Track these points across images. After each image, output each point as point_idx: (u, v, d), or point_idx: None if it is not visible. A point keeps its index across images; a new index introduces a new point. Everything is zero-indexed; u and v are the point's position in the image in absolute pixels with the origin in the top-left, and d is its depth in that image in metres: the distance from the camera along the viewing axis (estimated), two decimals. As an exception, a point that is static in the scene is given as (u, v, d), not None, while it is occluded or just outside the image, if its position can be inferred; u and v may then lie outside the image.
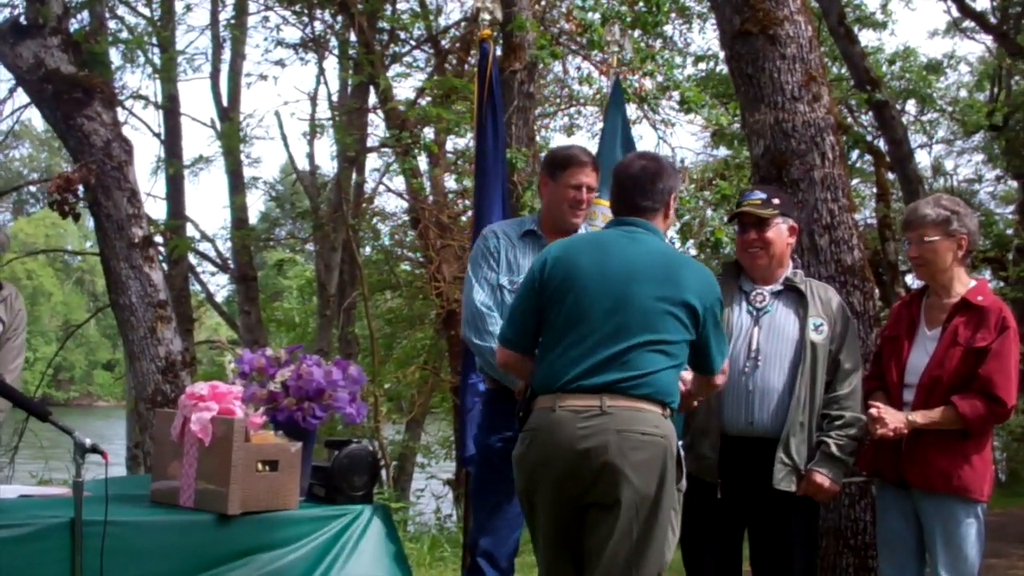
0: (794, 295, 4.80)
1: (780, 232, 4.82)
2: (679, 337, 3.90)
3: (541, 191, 5.02)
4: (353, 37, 15.53)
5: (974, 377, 4.45)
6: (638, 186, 4.10)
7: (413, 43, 17.02)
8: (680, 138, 65.36)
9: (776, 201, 4.84)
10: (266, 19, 17.27)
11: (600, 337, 3.84)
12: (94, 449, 3.70)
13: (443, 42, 16.60)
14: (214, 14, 18.26)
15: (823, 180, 5.86)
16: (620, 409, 3.77)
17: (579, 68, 15.15)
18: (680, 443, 4.15)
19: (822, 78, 6.07)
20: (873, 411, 4.49)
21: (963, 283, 4.68)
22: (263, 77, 17.68)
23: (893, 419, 4.47)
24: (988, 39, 21.42)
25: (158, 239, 16.95)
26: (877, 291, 17.41)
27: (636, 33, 13.09)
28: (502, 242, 4.96)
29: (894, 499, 4.65)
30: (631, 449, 3.74)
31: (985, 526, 4.57)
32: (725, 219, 11.76)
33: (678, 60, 16.76)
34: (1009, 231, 22.34)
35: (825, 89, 6.04)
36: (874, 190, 20.03)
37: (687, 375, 4.20)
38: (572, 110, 17.40)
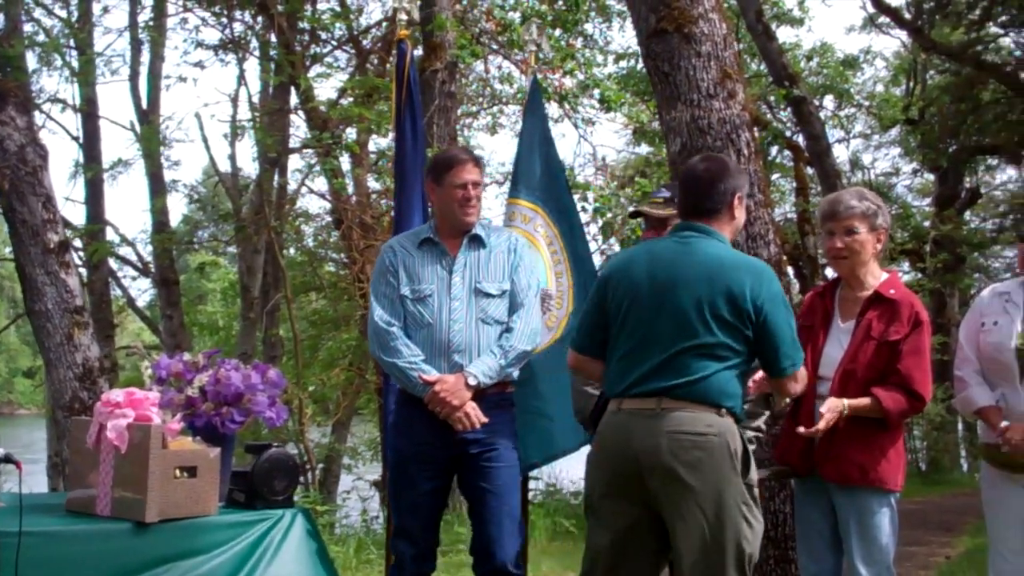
0: None
1: None
2: (726, 339, 3.96)
3: (430, 199, 5.10)
4: (273, 38, 15.43)
5: (889, 371, 4.49)
6: (701, 188, 4.19)
7: (334, 43, 16.97)
8: (602, 136, 65.76)
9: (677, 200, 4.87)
10: (185, 20, 17.20)
11: (651, 344, 3.98)
12: (7, 459, 3.65)
13: (364, 42, 16.56)
14: (132, 15, 18.08)
15: (740, 176, 5.92)
16: (673, 411, 3.89)
17: (500, 67, 15.20)
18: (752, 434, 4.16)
19: (737, 75, 6.14)
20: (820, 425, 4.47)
21: (876, 276, 4.71)
22: (182, 79, 17.57)
23: (831, 407, 4.47)
24: (903, 34, 21.80)
25: (77, 244, 16.72)
26: (797, 285, 17.62)
27: (557, 32, 13.15)
28: (399, 255, 5.02)
29: (810, 491, 4.70)
30: (682, 449, 3.85)
31: (898, 514, 4.65)
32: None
33: (599, 58, 16.86)
34: (926, 223, 22.74)
35: (740, 86, 6.11)
36: (794, 185, 20.28)
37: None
38: (495, 109, 17.44)
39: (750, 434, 4.66)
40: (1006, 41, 20.33)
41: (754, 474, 3.99)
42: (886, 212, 4.74)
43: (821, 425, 4.38)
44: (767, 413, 4.76)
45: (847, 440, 4.50)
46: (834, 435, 4.49)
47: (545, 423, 5.32)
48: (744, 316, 3.96)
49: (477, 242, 5.01)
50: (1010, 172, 26.72)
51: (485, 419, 4.79)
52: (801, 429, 4.42)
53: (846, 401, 4.47)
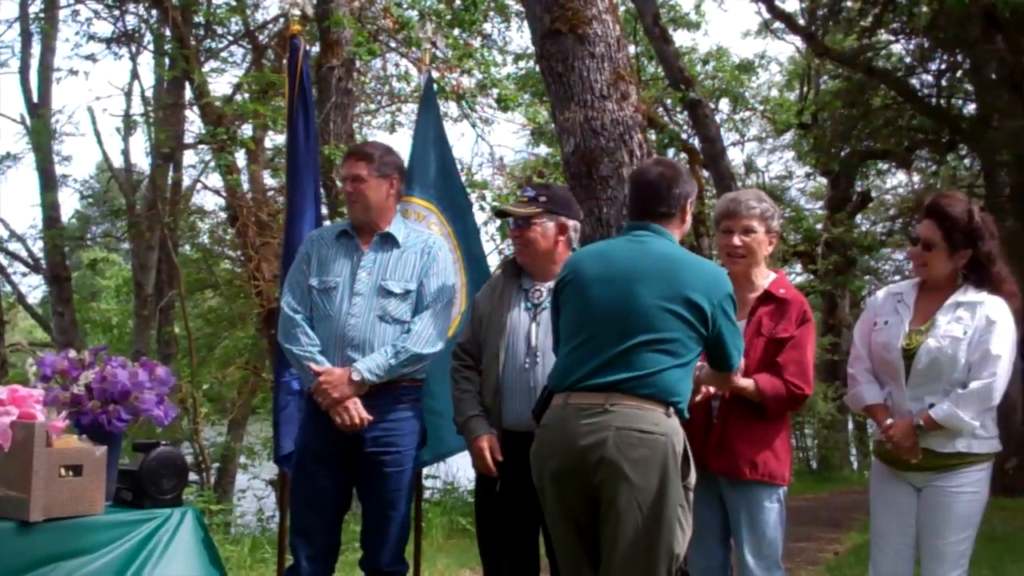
0: None
1: (545, 230, 4.82)
2: (683, 335, 4.01)
3: None
4: (167, 31, 15.21)
5: (775, 365, 4.61)
6: (655, 192, 4.23)
7: (230, 38, 16.78)
8: (501, 136, 65.91)
9: (543, 199, 4.85)
10: (76, 12, 16.82)
11: (604, 338, 4.00)
12: None
13: (260, 37, 16.40)
14: (23, 7, 17.69)
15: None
16: (622, 408, 3.91)
17: (397, 65, 15.17)
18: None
19: (630, 77, 6.20)
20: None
21: (765, 276, 4.82)
22: (73, 72, 17.28)
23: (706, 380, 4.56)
24: (797, 40, 22.15)
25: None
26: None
27: (455, 31, 13.16)
28: (316, 245, 5.08)
29: (699, 486, 4.77)
30: (629, 446, 3.87)
31: (788, 511, 4.74)
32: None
33: (498, 58, 16.91)
34: (819, 226, 23.15)
35: (633, 88, 6.17)
36: (691, 187, 20.43)
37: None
38: (393, 107, 17.40)
39: None
40: (896, 48, 20.78)
41: (692, 477, 4.05)
42: (779, 215, 4.86)
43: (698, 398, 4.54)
44: None
45: (735, 435, 4.60)
46: (723, 430, 4.60)
47: (435, 420, 5.32)
48: (702, 315, 4.03)
49: (390, 241, 5.03)
50: (900, 176, 27.33)
51: (368, 416, 4.79)
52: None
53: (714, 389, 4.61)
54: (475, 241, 6.18)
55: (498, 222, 13.08)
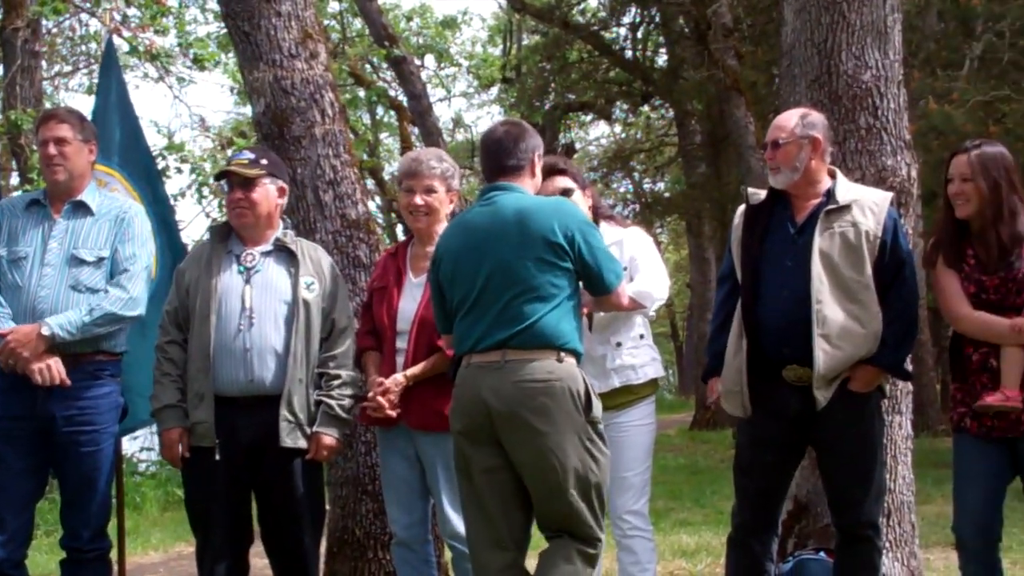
0: (285, 255, 4.84)
1: (267, 193, 4.83)
2: (549, 278, 4.15)
3: None
4: None
5: None
6: (503, 148, 4.36)
7: None
8: (207, 96, 64.23)
9: (264, 162, 4.86)
10: None
11: (483, 300, 4.17)
12: None
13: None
14: None
15: (324, 136, 5.94)
16: (516, 362, 4.10)
17: (86, 25, 14.58)
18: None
19: (319, 35, 6.14)
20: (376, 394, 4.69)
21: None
22: None
23: (391, 383, 4.69)
24: (498, -4, 22.49)
25: None
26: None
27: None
28: (5, 215, 4.91)
29: (394, 441, 4.85)
30: (528, 397, 4.07)
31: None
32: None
33: (200, 17, 16.52)
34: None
35: (322, 47, 6.12)
36: (400, 144, 20.60)
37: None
38: (88, 69, 16.74)
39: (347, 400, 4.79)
40: (592, 2, 21.38)
41: (597, 411, 4.19)
42: (460, 174, 4.95)
43: (394, 397, 4.67)
44: (359, 375, 4.88)
45: (427, 389, 4.69)
46: (414, 385, 4.69)
47: (131, 396, 5.17)
48: (560, 250, 4.15)
49: (83, 209, 4.91)
50: (602, 127, 28.21)
51: (67, 380, 4.67)
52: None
53: (409, 372, 4.72)
54: (165, 206, 6.05)
55: (197, 183, 12.77)
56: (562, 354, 4.16)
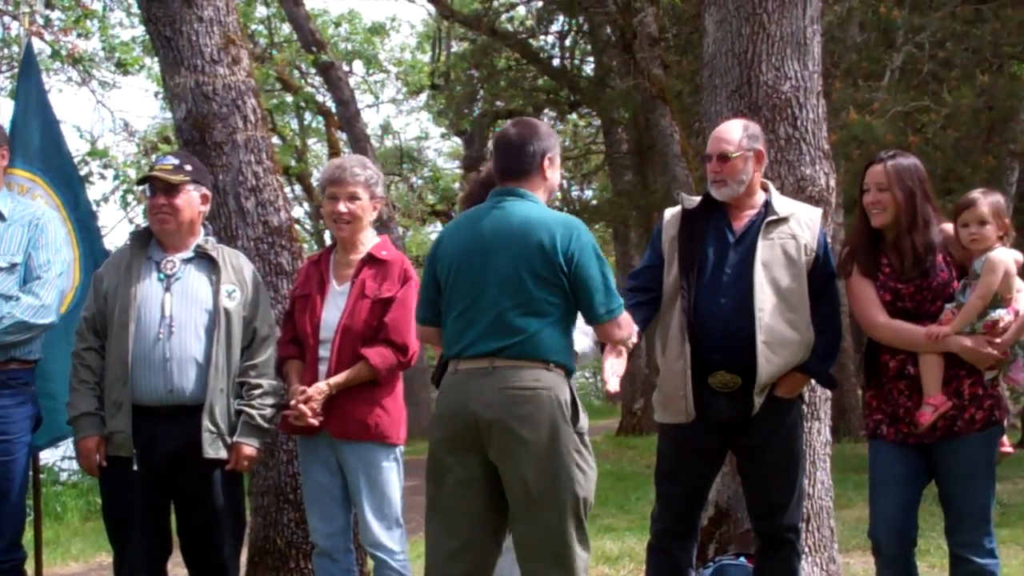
0: (206, 262, 4.78)
1: (191, 199, 4.77)
2: (544, 295, 4.10)
3: None
4: None
5: (381, 325, 4.72)
6: (512, 151, 4.27)
7: None
8: (130, 101, 63.39)
9: (188, 168, 4.80)
10: None
11: (479, 307, 4.11)
12: None
13: None
14: None
15: (246, 143, 5.92)
16: (504, 369, 4.05)
17: (7, 28, 14.34)
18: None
19: (241, 41, 6.12)
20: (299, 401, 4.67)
21: (368, 240, 4.92)
22: None
23: (314, 391, 4.67)
24: (426, 2, 22.48)
25: None
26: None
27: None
28: None
29: (315, 450, 4.82)
30: (514, 404, 4.02)
31: (403, 466, 4.86)
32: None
33: (126, 20, 16.34)
34: (455, 185, 23.68)
35: (244, 52, 6.09)
36: (327, 150, 20.52)
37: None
38: (9, 73, 16.46)
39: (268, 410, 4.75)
40: (520, 10, 21.44)
41: (584, 423, 4.16)
42: (383, 182, 4.95)
43: (316, 406, 4.65)
44: (281, 384, 4.85)
45: (348, 398, 4.68)
46: (336, 394, 4.67)
47: (49, 403, 5.08)
48: (557, 269, 4.09)
49: None
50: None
51: None
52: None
53: (332, 380, 4.69)
54: (86, 212, 5.97)
55: (122, 189, 12.62)
56: (551, 365, 4.12)
